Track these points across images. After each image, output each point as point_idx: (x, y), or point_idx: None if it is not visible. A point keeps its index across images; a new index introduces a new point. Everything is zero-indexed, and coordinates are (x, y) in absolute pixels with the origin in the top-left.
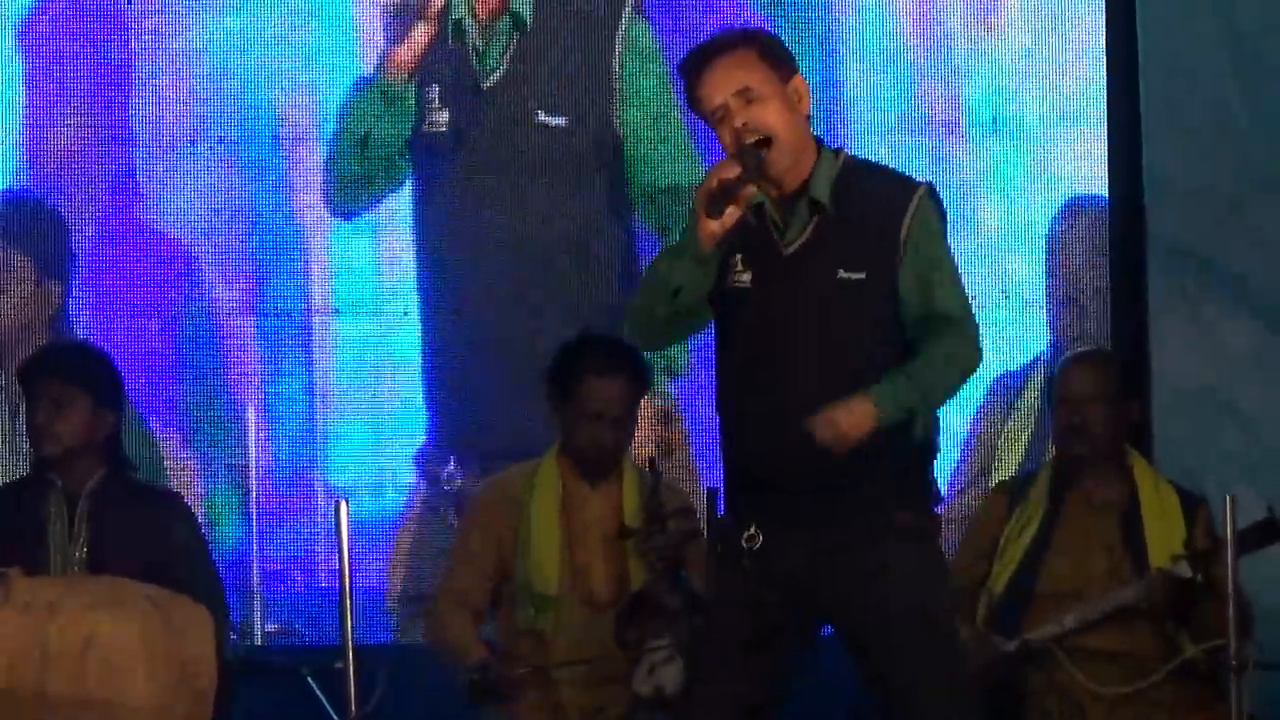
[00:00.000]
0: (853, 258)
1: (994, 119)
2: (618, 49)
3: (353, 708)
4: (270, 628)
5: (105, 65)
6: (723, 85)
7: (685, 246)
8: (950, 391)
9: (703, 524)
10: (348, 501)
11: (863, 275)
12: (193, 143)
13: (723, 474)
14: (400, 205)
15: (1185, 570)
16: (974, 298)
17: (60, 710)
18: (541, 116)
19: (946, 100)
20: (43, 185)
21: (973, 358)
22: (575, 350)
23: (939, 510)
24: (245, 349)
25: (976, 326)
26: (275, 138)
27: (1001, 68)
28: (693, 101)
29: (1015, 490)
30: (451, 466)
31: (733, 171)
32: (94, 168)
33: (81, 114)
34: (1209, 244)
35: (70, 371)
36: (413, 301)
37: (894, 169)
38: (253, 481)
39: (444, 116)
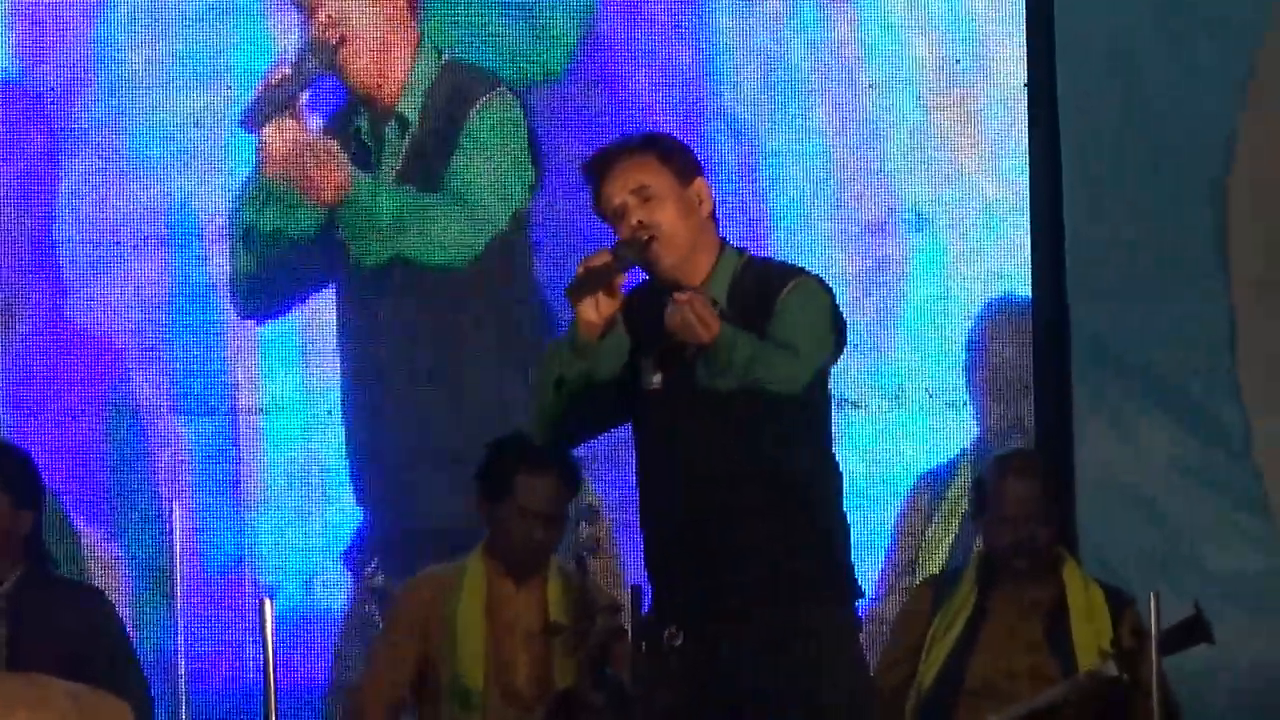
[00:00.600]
0: None
1: (918, 216)
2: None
3: None
4: None
5: (31, 165)
6: (621, 185)
7: (567, 338)
8: (766, 377)
9: (628, 621)
10: (272, 600)
11: None
12: (117, 243)
13: (645, 571)
14: (323, 305)
15: (1112, 669)
16: (898, 390)
17: None
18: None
19: (871, 198)
20: None
21: (795, 378)
22: (508, 448)
23: (863, 607)
24: (170, 446)
25: (809, 372)
26: (199, 236)
27: (926, 166)
28: (596, 201)
29: (941, 586)
30: (374, 565)
31: (601, 259)
32: (20, 267)
33: (7, 213)
34: (1130, 344)
35: None
36: (335, 401)
37: (791, 264)
38: (177, 578)
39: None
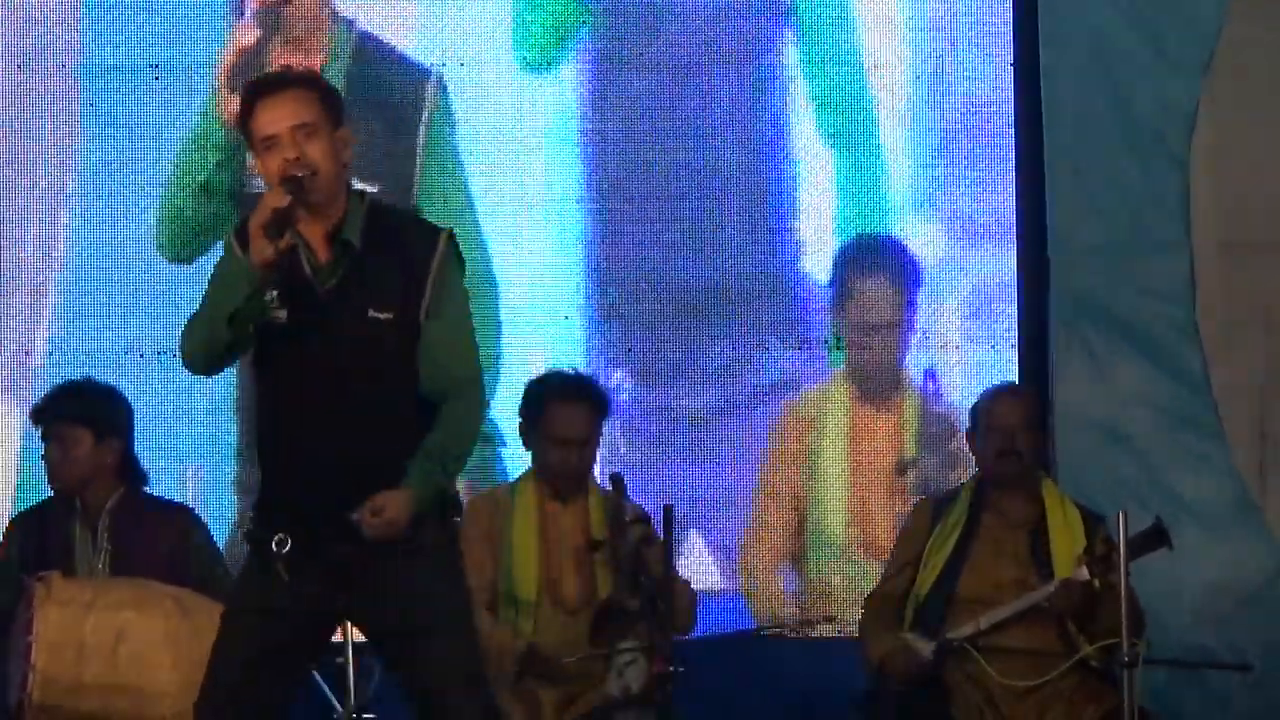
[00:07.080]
0: (381, 298)
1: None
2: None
3: (351, 698)
4: None
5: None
6: (282, 116)
7: (231, 275)
8: (466, 455)
9: (659, 532)
10: None
11: (390, 315)
12: None
13: (258, 491)
14: None
15: (1085, 574)
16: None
17: (95, 694)
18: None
19: (872, 169)
20: None
21: (481, 418)
22: (541, 383)
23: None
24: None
25: (483, 384)
26: None
27: (926, 142)
28: (244, 122)
29: (938, 506)
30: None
31: (284, 200)
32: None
33: None
34: (1104, 294)
35: (73, 412)
36: None
37: (415, 214)
38: None
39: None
